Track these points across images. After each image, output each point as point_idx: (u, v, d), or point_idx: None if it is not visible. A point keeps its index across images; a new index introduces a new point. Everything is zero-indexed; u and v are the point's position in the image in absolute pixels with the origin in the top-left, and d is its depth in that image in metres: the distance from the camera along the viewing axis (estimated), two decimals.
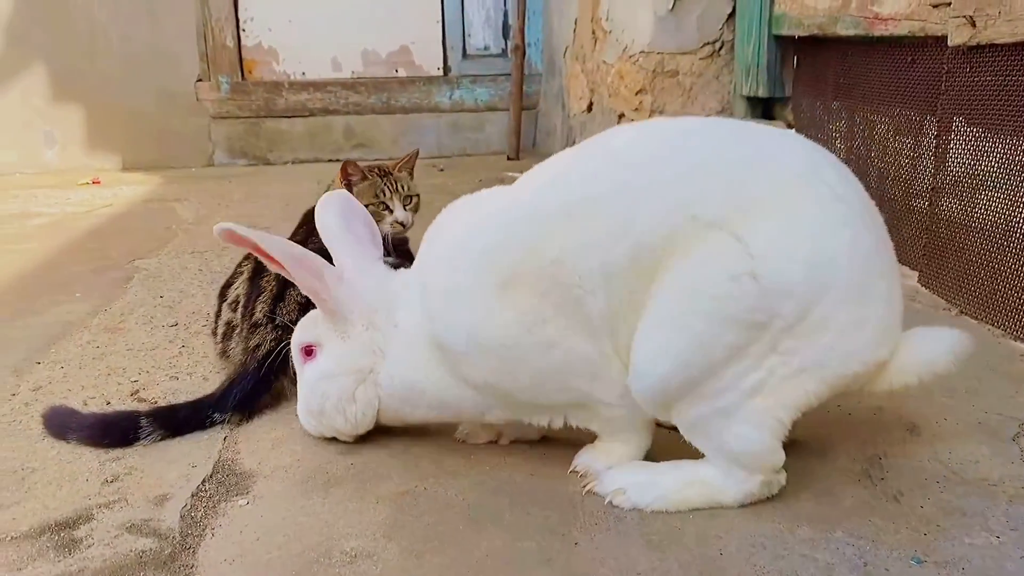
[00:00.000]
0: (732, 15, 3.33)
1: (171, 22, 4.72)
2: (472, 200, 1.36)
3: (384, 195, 2.17)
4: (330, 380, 1.40)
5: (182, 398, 1.70)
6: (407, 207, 2.21)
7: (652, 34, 3.45)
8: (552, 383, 1.24)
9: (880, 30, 2.38)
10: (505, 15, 5.04)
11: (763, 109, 3.21)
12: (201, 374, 1.83)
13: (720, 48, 3.39)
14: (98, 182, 4.39)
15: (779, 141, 1.24)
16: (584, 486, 1.29)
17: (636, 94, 3.54)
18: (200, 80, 4.81)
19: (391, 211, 2.17)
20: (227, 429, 1.57)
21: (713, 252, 1.11)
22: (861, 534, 1.16)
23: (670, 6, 3.38)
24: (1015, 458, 1.36)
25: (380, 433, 1.48)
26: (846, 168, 1.25)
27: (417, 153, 2.39)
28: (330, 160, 4.89)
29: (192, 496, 1.34)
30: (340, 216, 1.48)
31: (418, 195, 2.27)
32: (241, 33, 4.85)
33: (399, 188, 2.21)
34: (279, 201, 3.72)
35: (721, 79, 3.40)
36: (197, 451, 1.49)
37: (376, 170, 2.22)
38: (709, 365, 1.12)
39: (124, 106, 4.76)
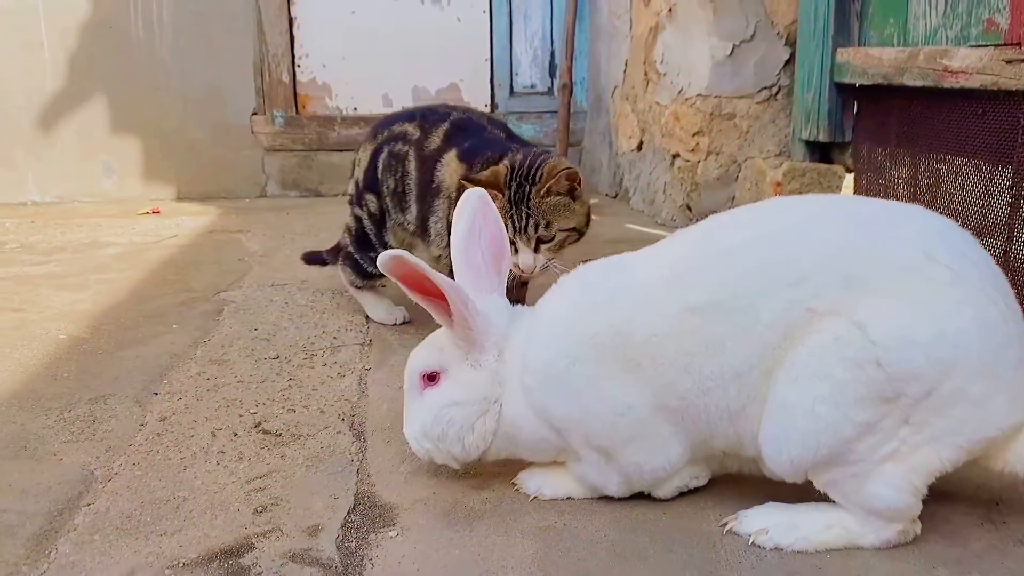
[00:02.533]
0: (789, 62, 3.43)
1: (229, 58, 4.86)
2: (604, 267, 1.42)
3: (507, 228, 1.83)
4: (457, 408, 1.43)
5: (304, 431, 1.78)
6: (540, 248, 1.88)
7: (710, 78, 3.56)
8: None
9: (950, 83, 2.47)
10: (552, 55, 5.17)
11: (821, 153, 3.30)
12: (317, 407, 1.91)
13: (777, 92, 3.49)
14: (158, 211, 4.51)
15: (896, 222, 1.28)
16: (723, 525, 1.36)
17: (693, 136, 3.64)
18: (255, 114, 4.94)
19: (515, 250, 1.87)
20: (357, 462, 1.65)
21: (832, 339, 1.17)
22: None
23: (728, 52, 3.49)
24: None
25: (499, 467, 1.55)
26: (966, 237, 1.30)
27: (572, 175, 1.89)
28: None
29: (342, 527, 1.42)
30: (470, 226, 1.47)
31: (571, 231, 1.90)
32: (296, 69, 4.98)
33: (529, 225, 1.86)
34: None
35: (777, 122, 3.50)
36: (334, 483, 1.57)
37: (514, 183, 1.86)
38: (840, 443, 1.19)
39: (181, 138, 4.88)
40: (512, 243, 1.85)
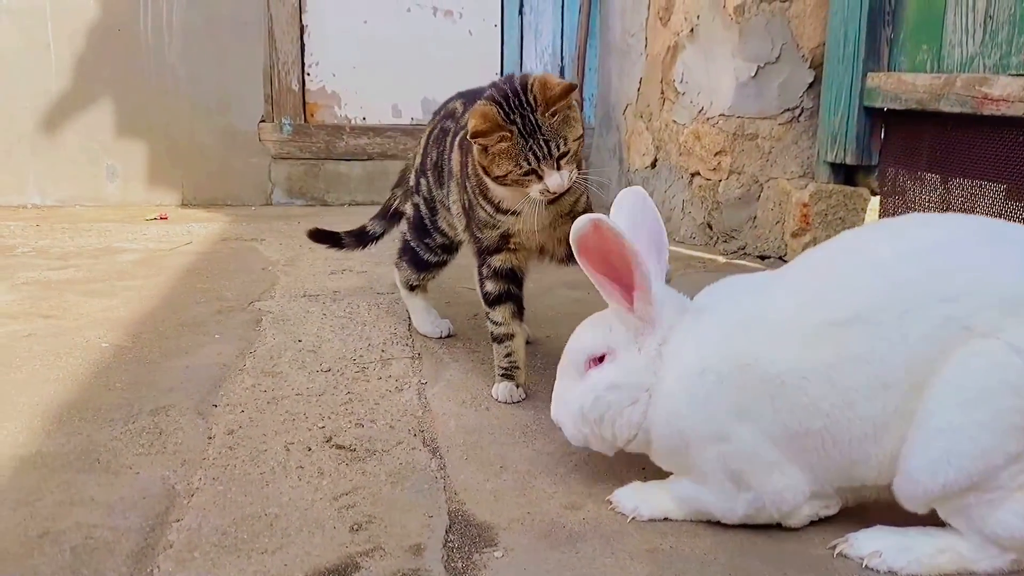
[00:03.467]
0: (813, 84, 3.48)
1: (239, 64, 4.81)
2: (750, 286, 1.43)
3: (528, 161, 1.78)
4: (616, 391, 1.41)
5: (378, 446, 1.76)
6: (561, 165, 1.80)
7: (733, 98, 3.60)
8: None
9: (990, 110, 2.53)
10: (561, 70, 5.19)
11: (845, 175, 3.35)
12: (385, 422, 1.89)
13: (800, 114, 3.54)
14: (165, 217, 4.44)
15: None
16: (833, 547, 1.36)
17: (715, 155, 3.68)
18: (263, 121, 4.90)
19: (539, 177, 1.79)
20: (441, 479, 1.63)
21: (993, 364, 1.17)
22: None
23: (753, 73, 3.53)
24: None
25: (590, 485, 1.55)
26: None
27: (571, 87, 1.80)
28: None
29: (444, 547, 1.40)
30: (631, 220, 1.49)
31: (580, 138, 1.83)
32: (306, 77, 4.95)
33: (552, 148, 1.77)
34: None
35: (800, 144, 3.54)
36: (424, 500, 1.55)
37: (517, 117, 1.76)
38: (988, 470, 1.19)
39: (187, 143, 4.82)
40: (534, 172, 1.79)
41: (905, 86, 2.93)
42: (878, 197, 3.28)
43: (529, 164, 1.77)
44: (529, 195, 1.82)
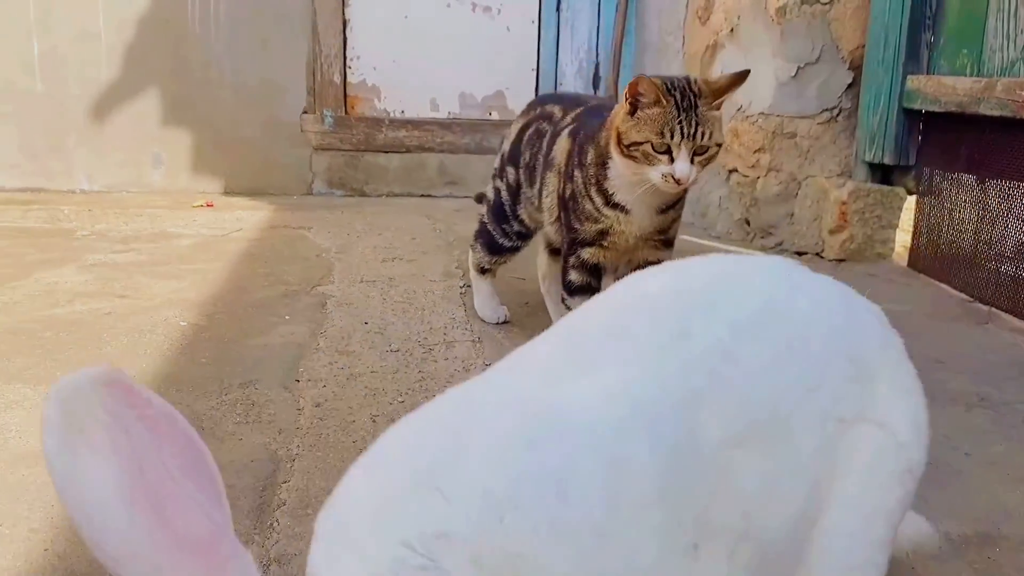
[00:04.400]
0: (852, 85, 3.58)
1: (282, 57, 4.93)
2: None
3: (671, 135, 1.76)
4: None
5: None
6: (696, 159, 1.79)
7: (773, 98, 3.69)
8: None
9: None
10: (596, 67, 5.29)
11: (883, 175, 3.45)
12: None
13: (838, 115, 3.64)
14: (211, 205, 4.56)
15: (826, 283, 1.00)
16: None
17: (754, 152, 3.78)
18: (306, 112, 5.01)
19: (671, 159, 1.78)
20: None
21: (872, 453, 0.89)
22: None
23: (793, 73, 3.63)
24: None
25: None
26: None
27: (744, 76, 1.86)
28: (422, 195, 5.10)
29: None
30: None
31: (719, 146, 1.84)
32: (347, 70, 5.06)
33: (698, 131, 1.77)
34: (404, 234, 3.91)
35: (838, 143, 3.64)
36: None
37: (677, 92, 1.79)
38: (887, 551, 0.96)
39: (231, 133, 4.94)
40: (666, 152, 1.77)
41: (945, 89, 3.03)
42: (914, 197, 3.38)
43: (672, 138, 1.76)
44: (651, 178, 1.83)
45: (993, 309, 2.89)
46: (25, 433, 1.72)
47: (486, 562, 0.71)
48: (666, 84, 1.81)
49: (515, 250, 2.56)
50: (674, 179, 1.80)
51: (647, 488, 0.77)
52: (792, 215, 3.71)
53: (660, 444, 0.79)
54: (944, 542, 1.45)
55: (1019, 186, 2.77)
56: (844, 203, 3.39)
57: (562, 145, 2.22)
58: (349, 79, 5.10)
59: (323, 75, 5.01)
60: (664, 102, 1.78)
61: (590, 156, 2.07)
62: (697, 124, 1.78)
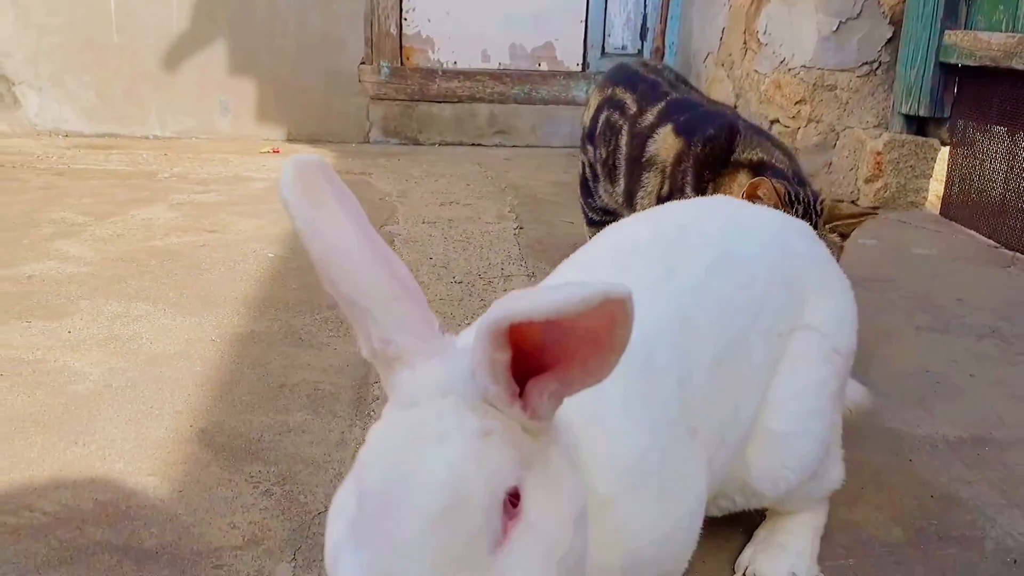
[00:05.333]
0: (891, 39, 3.71)
1: (342, 9, 5.14)
2: None
3: None
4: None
5: None
6: None
7: (814, 51, 3.84)
8: None
9: None
10: (644, 18, 5.42)
11: (918, 126, 3.59)
12: None
13: (877, 68, 3.77)
14: (278, 151, 4.84)
15: (763, 215, 1.31)
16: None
17: (795, 104, 3.93)
18: (363, 63, 5.24)
19: None
20: None
21: (801, 346, 1.18)
22: None
23: (834, 27, 3.76)
24: None
25: None
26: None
27: (875, 214, 1.84)
28: (472, 144, 5.33)
29: None
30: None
31: None
32: (403, 22, 5.26)
33: None
34: (459, 180, 4.15)
35: (876, 96, 3.78)
36: None
37: (800, 207, 1.75)
38: (831, 428, 1.24)
39: (293, 83, 5.19)
40: None
41: (980, 44, 3.16)
42: (948, 148, 3.53)
43: None
44: None
45: (1017, 254, 3.07)
46: (155, 340, 2.03)
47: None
48: (789, 195, 1.75)
49: (601, 224, 2.43)
50: None
51: (670, 382, 1.02)
52: (830, 164, 3.87)
53: (675, 351, 1.04)
54: (942, 442, 1.69)
55: None
56: (879, 153, 3.55)
57: (667, 142, 2.11)
58: (405, 31, 5.30)
59: (380, 27, 5.22)
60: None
61: (708, 192, 1.99)
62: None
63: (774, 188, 1.73)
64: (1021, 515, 1.45)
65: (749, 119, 2.15)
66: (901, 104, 3.59)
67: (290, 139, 5.25)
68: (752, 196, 1.76)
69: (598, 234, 1.28)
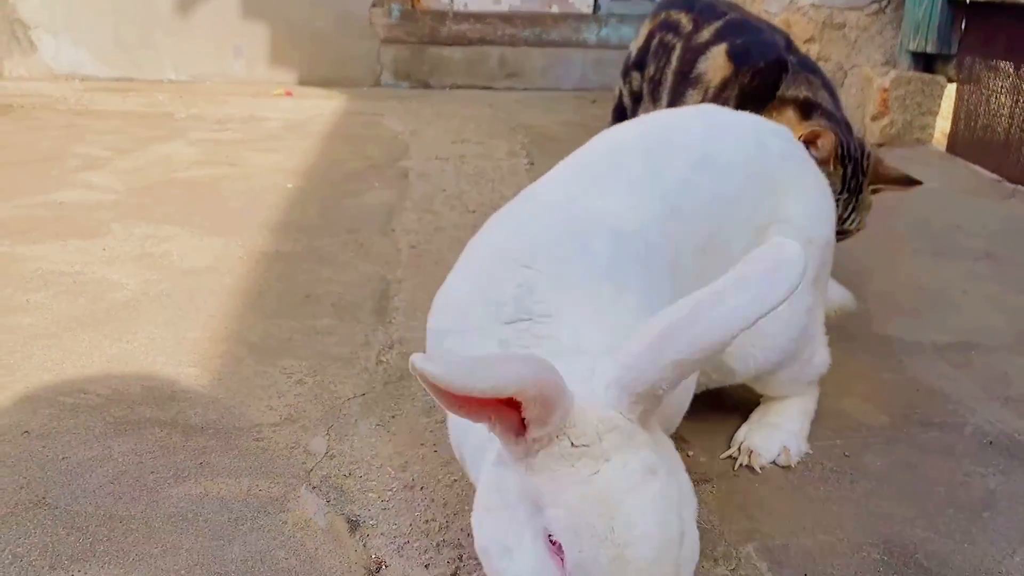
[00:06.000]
0: None
1: None
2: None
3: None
4: None
5: None
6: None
7: None
8: None
9: None
10: None
11: (925, 63, 3.63)
12: None
13: (886, 6, 3.79)
14: (290, 93, 4.90)
15: (743, 120, 1.41)
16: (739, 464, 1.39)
17: (804, 42, 3.97)
18: (374, 6, 5.26)
19: None
20: None
21: (776, 235, 1.26)
22: None
23: None
24: None
25: None
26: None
27: (914, 183, 1.80)
28: (483, 87, 5.36)
29: None
30: None
31: (859, 230, 1.81)
32: None
33: (851, 216, 1.76)
34: (469, 121, 4.21)
35: (884, 34, 3.81)
36: None
37: (850, 165, 1.75)
38: (806, 312, 1.33)
39: (306, 26, 5.23)
40: None
41: None
42: (954, 85, 3.57)
43: None
44: None
45: (1019, 187, 3.13)
46: (185, 257, 2.14)
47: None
48: (843, 148, 1.75)
49: None
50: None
51: (663, 266, 1.13)
52: None
53: (665, 239, 1.15)
54: (931, 347, 1.78)
55: None
56: (886, 90, 3.60)
57: (716, 62, 2.08)
58: None
59: None
60: (832, 169, 1.73)
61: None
62: (854, 209, 1.75)
63: (834, 139, 1.73)
64: (1000, 406, 1.56)
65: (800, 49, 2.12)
66: (909, 41, 3.62)
67: (302, 82, 5.30)
68: (810, 142, 1.75)
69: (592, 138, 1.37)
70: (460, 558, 1.11)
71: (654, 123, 1.37)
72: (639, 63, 2.48)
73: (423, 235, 2.42)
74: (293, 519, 1.17)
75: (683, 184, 1.22)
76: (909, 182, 1.79)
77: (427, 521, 1.17)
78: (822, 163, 1.71)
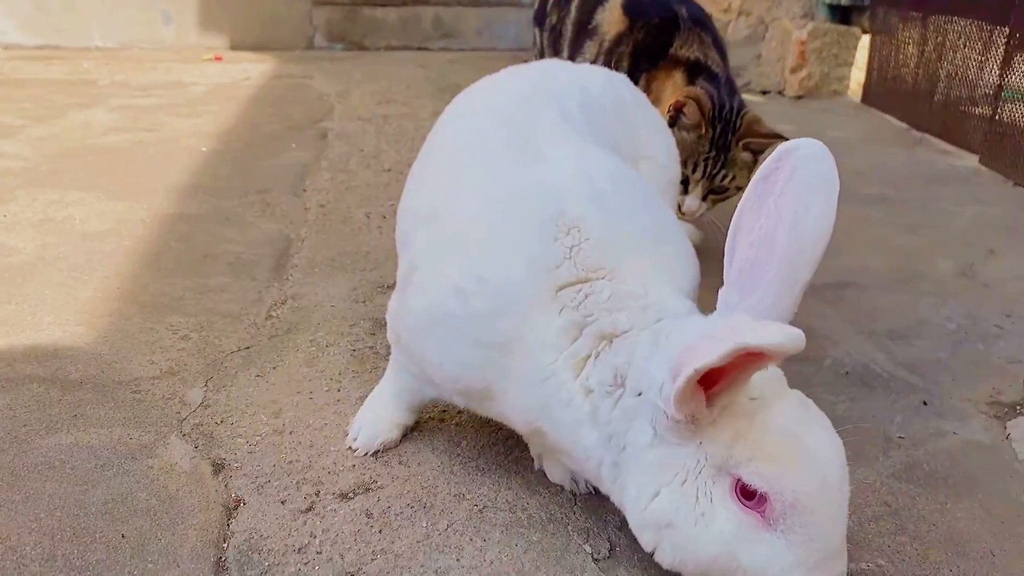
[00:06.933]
0: None
1: None
2: None
3: (694, 169, 1.78)
4: None
5: None
6: (707, 197, 1.82)
7: None
8: None
9: None
10: None
11: (841, 15, 3.70)
12: None
13: None
14: (220, 58, 4.84)
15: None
16: None
17: None
18: None
19: (684, 190, 1.80)
20: None
21: (650, 176, 1.37)
22: None
23: None
24: None
25: None
26: None
27: (783, 139, 1.66)
28: (418, 48, 5.34)
29: None
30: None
31: (739, 189, 1.81)
32: None
33: (721, 172, 1.80)
34: (399, 81, 4.21)
35: None
36: None
37: (719, 125, 1.79)
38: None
39: None
40: (683, 181, 1.77)
41: None
42: (868, 36, 3.64)
43: (693, 172, 1.77)
44: None
45: (926, 135, 3.23)
46: (87, 221, 2.14)
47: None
48: (713, 111, 1.77)
49: None
50: (679, 209, 1.78)
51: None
52: (759, 56, 3.98)
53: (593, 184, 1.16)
54: (808, 288, 1.85)
55: (952, 19, 3.05)
56: (803, 42, 3.66)
57: (613, 15, 2.12)
58: None
59: None
60: (703, 131, 1.77)
61: (641, 83, 1.99)
62: (723, 166, 1.79)
63: (699, 108, 1.77)
64: (864, 340, 1.64)
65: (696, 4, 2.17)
66: None
67: (234, 47, 5.23)
68: (678, 108, 1.81)
69: (475, 86, 1.42)
70: (317, 494, 1.16)
71: (528, 76, 1.40)
72: (537, 18, 2.48)
73: (333, 194, 2.45)
74: (159, 464, 1.21)
75: (584, 124, 1.27)
76: (779, 138, 1.81)
77: (290, 462, 1.22)
78: (693, 128, 1.80)
